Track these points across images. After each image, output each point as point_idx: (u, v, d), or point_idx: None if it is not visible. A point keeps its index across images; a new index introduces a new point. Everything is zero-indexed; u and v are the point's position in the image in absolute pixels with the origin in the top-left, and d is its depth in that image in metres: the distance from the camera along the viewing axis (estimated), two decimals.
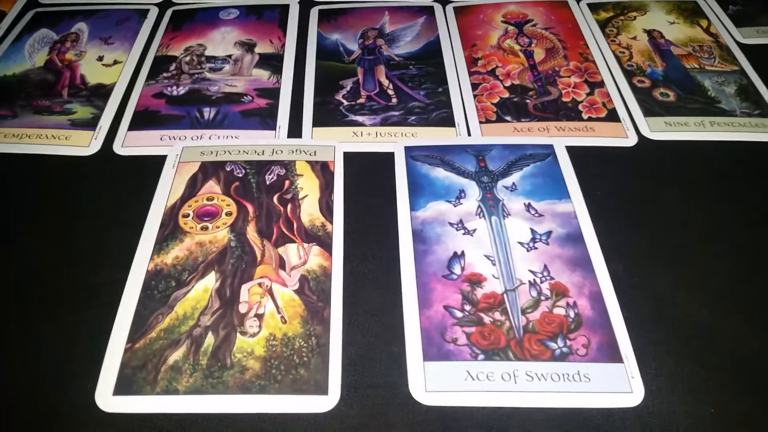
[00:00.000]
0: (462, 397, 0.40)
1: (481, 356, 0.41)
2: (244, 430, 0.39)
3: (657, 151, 0.56)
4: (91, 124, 0.59)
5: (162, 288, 0.45)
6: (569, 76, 0.64)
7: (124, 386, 0.40)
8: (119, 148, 0.57)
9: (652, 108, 0.60)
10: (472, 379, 0.40)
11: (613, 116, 0.59)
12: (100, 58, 0.67)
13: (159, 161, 0.54)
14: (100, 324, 0.43)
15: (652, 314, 0.44)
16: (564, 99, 0.61)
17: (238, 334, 0.42)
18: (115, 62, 0.66)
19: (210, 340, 0.42)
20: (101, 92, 0.63)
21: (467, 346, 0.42)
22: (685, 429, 0.39)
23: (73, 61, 0.67)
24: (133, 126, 0.59)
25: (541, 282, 0.45)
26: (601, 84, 0.63)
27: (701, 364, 0.42)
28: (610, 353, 0.41)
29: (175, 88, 0.63)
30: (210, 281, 0.45)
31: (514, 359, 0.41)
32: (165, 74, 0.65)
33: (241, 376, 0.40)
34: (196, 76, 0.64)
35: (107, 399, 0.39)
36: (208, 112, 0.60)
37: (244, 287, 0.44)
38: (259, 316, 0.43)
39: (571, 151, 0.55)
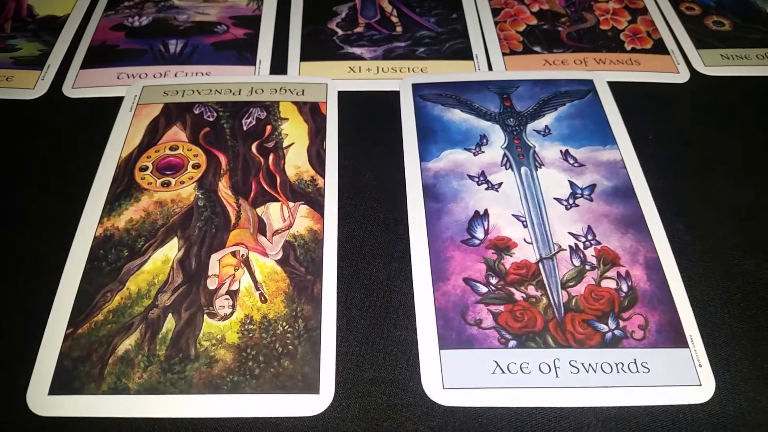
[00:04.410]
0: (489, 396, 0.35)
1: (512, 342, 0.37)
2: None
3: (714, 88, 0.52)
4: (38, 62, 0.54)
5: (112, 258, 0.40)
6: (607, 1, 0.60)
7: (62, 383, 0.35)
8: (69, 90, 0.52)
9: (704, 39, 0.56)
10: (501, 372, 0.36)
11: (660, 48, 0.55)
12: None
13: (115, 104, 0.50)
14: (35, 304, 0.39)
15: (721, 285, 0.40)
16: (602, 27, 0.57)
17: (205, 317, 0.38)
18: None
19: (170, 324, 0.37)
20: (52, 26, 0.58)
21: (495, 330, 0.37)
22: None
23: None
24: (87, 63, 0.54)
25: (585, 247, 0.41)
26: (644, 11, 0.59)
27: None
28: (673, 336, 0.37)
29: (137, 18, 0.58)
30: (171, 250, 0.41)
31: (554, 346, 0.37)
32: (127, 2, 0.59)
33: (209, 370, 0.36)
34: (162, 3, 0.59)
35: (41, 400, 0.35)
36: (175, 45, 0.55)
37: (214, 257, 0.41)
38: (233, 294, 0.39)
39: (614, 87, 0.51)
